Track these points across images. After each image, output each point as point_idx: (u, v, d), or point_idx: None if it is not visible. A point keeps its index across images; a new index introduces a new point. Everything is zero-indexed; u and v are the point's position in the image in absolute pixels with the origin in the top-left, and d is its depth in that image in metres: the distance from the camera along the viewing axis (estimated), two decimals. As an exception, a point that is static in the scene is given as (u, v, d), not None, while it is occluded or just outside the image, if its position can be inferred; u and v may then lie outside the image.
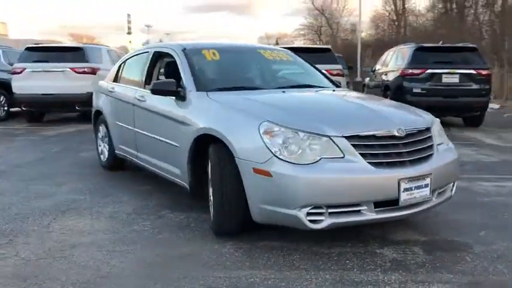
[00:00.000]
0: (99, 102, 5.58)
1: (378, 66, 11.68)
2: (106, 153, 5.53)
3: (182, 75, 3.99)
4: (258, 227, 3.26)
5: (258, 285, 2.67)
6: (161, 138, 4.08)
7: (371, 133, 3.03)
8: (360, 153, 2.94)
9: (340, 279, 2.74)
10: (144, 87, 4.61)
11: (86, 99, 9.61)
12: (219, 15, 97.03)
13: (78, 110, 10.02)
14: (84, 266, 2.94)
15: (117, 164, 5.46)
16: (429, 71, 9.04)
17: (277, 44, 39.04)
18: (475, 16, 30.32)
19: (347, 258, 3.03)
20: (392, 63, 10.34)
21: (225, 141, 3.18)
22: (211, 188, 3.47)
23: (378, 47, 36.15)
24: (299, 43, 51.84)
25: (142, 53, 5.02)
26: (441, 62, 9.14)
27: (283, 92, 3.88)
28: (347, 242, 3.27)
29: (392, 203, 3.00)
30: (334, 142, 2.93)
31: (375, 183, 2.92)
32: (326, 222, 2.88)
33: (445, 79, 9.01)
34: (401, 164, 3.03)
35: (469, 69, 9.05)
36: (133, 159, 4.82)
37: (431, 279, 2.74)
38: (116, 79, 5.41)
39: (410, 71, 9.13)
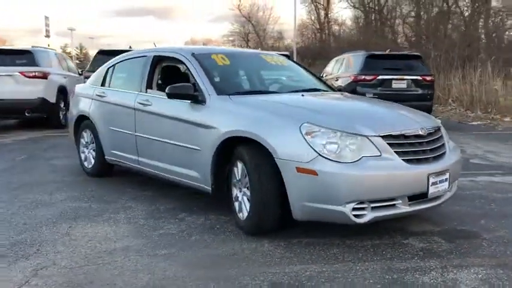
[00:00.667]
0: (83, 107, 5.43)
1: (325, 74, 12.17)
2: (92, 159, 5.38)
3: (197, 79, 4.04)
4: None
5: (316, 278, 2.81)
6: (175, 142, 4.10)
7: (401, 132, 3.30)
8: (394, 151, 3.19)
9: (388, 268, 2.96)
10: (146, 92, 4.58)
11: (37, 105, 9.24)
12: (144, 19, 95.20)
13: (27, 117, 9.51)
14: (136, 270, 2.93)
15: (105, 170, 5.35)
16: (380, 77, 9.63)
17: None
18: (391, 28, 32.20)
19: (382, 249, 3.26)
20: (343, 69, 10.84)
21: (262, 143, 3.30)
22: (236, 189, 3.59)
23: (303, 54, 37.52)
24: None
25: (137, 57, 4.98)
26: (390, 68, 9.77)
27: (303, 95, 4.06)
28: (372, 235, 3.50)
29: (421, 196, 3.27)
30: (371, 141, 3.16)
31: (410, 178, 3.18)
32: (368, 216, 3.10)
33: (395, 85, 9.65)
34: (427, 160, 3.32)
35: (416, 75, 9.76)
36: (132, 164, 4.76)
37: (466, 264, 3.03)
38: (104, 83, 5.30)
39: (363, 77, 9.65)
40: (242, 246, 3.32)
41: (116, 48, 10.39)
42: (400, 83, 9.63)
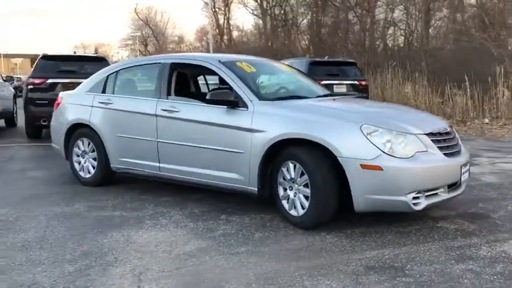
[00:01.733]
0: (80, 116, 5.29)
1: None
2: (91, 168, 5.27)
3: (234, 86, 4.23)
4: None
5: (399, 260, 3.19)
6: (211, 147, 4.24)
7: (437, 130, 3.82)
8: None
9: (446, 247, 3.44)
10: (167, 98, 4.65)
11: None
12: (28, 21, 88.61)
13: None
14: (233, 268, 3.09)
15: (106, 179, 5.26)
16: (323, 82, 10.29)
17: (96, 53, 37.72)
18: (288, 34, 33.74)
19: (426, 233, 3.74)
20: None
21: (323, 144, 3.61)
22: (283, 188, 3.88)
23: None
24: (125, 53, 50.63)
25: (148, 64, 5.03)
26: (331, 74, 10.47)
27: (334, 99, 4.44)
28: (408, 222, 3.97)
29: (454, 184, 3.82)
30: (419, 139, 3.64)
31: (451, 169, 3.72)
32: (423, 204, 3.56)
33: (336, 89, 10.39)
34: (457, 153, 3.88)
35: (353, 80, 10.61)
36: (148, 171, 4.78)
37: (501, 238, 3.61)
38: (105, 91, 5.23)
39: None
40: (308, 239, 3.60)
41: (60, 54, 9.93)
42: (340, 88, 10.39)
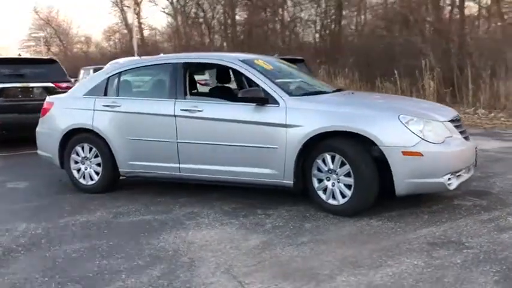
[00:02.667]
0: (81, 120, 5.07)
1: None
2: (94, 175, 5.09)
3: (261, 83, 4.34)
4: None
5: (453, 235, 3.52)
6: (242, 144, 4.32)
7: (454, 117, 4.24)
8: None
9: (479, 220, 3.84)
10: (185, 98, 4.65)
11: None
12: None
13: None
14: (317, 256, 3.24)
15: (112, 185, 5.11)
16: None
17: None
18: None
19: (452, 210, 4.13)
20: None
21: (364, 134, 3.86)
22: (318, 180, 4.09)
23: (113, 59, 36.72)
24: (25, 55, 47.45)
25: (157, 64, 4.97)
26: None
27: (353, 93, 4.70)
28: (424, 203, 4.32)
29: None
30: (445, 125, 4.02)
31: (471, 152, 4.15)
32: (455, 184, 3.95)
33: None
34: (468, 137, 4.33)
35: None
36: (165, 172, 4.74)
37: (515, 210, 4.12)
38: (107, 93, 5.06)
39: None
40: (356, 225, 3.84)
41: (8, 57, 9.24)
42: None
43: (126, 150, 4.85)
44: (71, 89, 5.49)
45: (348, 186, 3.98)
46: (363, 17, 22.54)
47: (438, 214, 4.04)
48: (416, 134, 3.82)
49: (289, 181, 4.21)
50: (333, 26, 23.72)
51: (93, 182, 5.11)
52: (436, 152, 3.81)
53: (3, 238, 3.80)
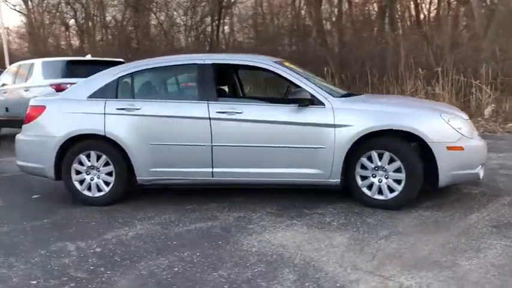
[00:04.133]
0: (89, 126, 4.58)
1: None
2: (104, 185, 4.64)
3: (302, 84, 4.40)
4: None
5: (499, 217, 3.99)
6: (288, 145, 4.33)
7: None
8: (474, 129, 4.66)
9: (504, 204, 4.40)
10: (218, 100, 4.51)
11: None
12: None
13: None
14: (422, 246, 3.43)
15: (123, 194, 4.71)
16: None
17: None
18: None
19: (473, 198, 4.62)
20: (37, 77, 9.13)
21: (414, 132, 4.16)
22: (360, 177, 4.31)
23: None
24: None
25: (178, 65, 4.73)
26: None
27: (373, 95, 4.97)
28: (442, 194, 4.81)
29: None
30: (469, 123, 4.53)
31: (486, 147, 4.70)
32: (482, 174, 4.45)
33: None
34: None
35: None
36: (195, 178, 4.53)
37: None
38: (118, 95, 4.65)
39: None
40: (411, 216, 4.09)
41: None
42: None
43: (148, 157, 4.50)
44: (66, 91, 4.91)
45: (397, 181, 4.23)
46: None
47: (466, 202, 4.47)
48: (457, 130, 4.24)
49: (335, 180, 4.33)
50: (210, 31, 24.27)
51: (101, 193, 4.64)
52: (473, 146, 4.27)
53: (70, 259, 3.31)
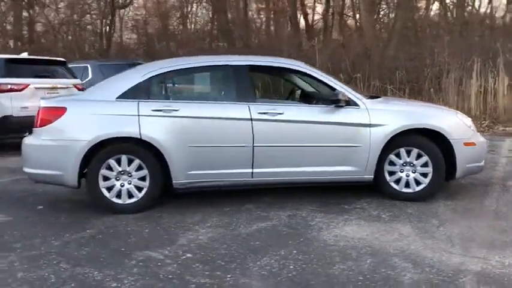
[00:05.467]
0: (120, 128, 4.31)
1: None
2: (136, 191, 4.40)
3: (336, 86, 4.64)
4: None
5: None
6: (327, 144, 4.53)
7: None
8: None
9: (497, 190, 5.09)
10: (255, 101, 4.57)
11: None
12: None
13: None
14: (487, 231, 3.87)
15: (154, 201, 4.52)
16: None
17: None
18: None
19: (469, 189, 5.28)
20: None
21: (439, 130, 4.61)
22: (388, 172, 4.69)
23: None
24: None
25: (212, 66, 4.70)
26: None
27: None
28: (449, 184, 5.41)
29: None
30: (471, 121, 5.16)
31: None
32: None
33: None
34: None
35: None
36: (235, 179, 4.51)
37: None
38: (150, 96, 4.46)
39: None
40: (440, 206, 4.53)
41: None
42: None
43: (186, 160, 4.38)
44: (89, 91, 4.53)
45: (424, 175, 4.66)
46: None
47: (468, 191, 5.07)
48: (470, 127, 4.81)
49: (369, 176, 4.63)
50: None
51: (133, 199, 4.39)
52: (481, 142, 4.88)
53: (174, 266, 3.14)
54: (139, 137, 4.29)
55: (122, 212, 4.34)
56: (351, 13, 20.81)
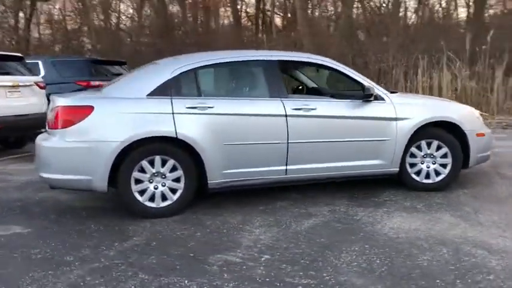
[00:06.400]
0: (154, 127, 4.06)
1: None
2: (171, 194, 4.16)
3: (363, 81, 4.69)
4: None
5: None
6: (357, 139, 4.58)
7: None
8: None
9: (496, 177, 5.44)
10: (288, 97, 4.50)
11: None
12: None
13: None
14: (510, 216, 4.11)
15: (188, 204, 4.33)
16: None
17: None
18: None
19: (471, 179, 5.59)
20: None
21: (456, 123, 4.82)
22: (411, 164, 4.86)
23: None
24: None
25: (244, 61, 4.54)
26: None
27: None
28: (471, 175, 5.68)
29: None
30: None
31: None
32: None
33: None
34: None
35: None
36: (267, 177, 4.41)
37: None
38: (181, 92, 4.24)
39: None
40: (460, 194, 4.75)
41: None
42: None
43: (221, 158, 4.22)
44: (111, 89, 4.20)
45: (443, 166, 4.86)
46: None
47: (474, 180, 5.35)
48: (479, 119, 5.08)
49: (395, 169, 4.75)
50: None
51: (168, 202, 4.16)
52: (488, 133, 5.17)
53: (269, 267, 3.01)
54: (175, 136, 4.06)
55: (155, 217, 4.10)
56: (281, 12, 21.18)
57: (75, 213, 4.34)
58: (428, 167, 4.86)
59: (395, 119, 4.65)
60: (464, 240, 3.51)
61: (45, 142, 4.05)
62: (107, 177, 3.97)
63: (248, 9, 21.39)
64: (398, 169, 4.74)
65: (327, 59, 4.86)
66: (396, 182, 4.94)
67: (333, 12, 18.55)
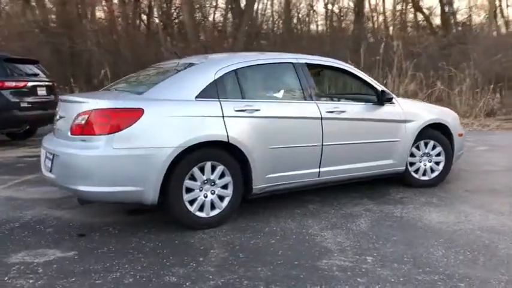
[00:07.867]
0: (206, 131, 3.81)
1: None
2: (219, 202, 3.94)
3: (375, 85, 4.96)
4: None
5: None
6: (377, 140, 4.81)
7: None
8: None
9: (477, 171, 6.14)
10: (319, 100, 4.56)
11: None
12: None
13: None
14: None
15: (236, 211, 4.16)
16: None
17: None
18: None
19: (458, 175, 6.21)
20: None
21: (446, 124, 5.35)
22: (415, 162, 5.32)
23: None
24: None
25: (276, 62, 4.47)
26: (31, 74, 8.88)
27: None
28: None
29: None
30: None
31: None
32: (458, 155, 6.05)
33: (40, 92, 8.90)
34: None
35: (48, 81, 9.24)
36: (304, 180, 4.44)
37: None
38: (222, 95, 3.99)
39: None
40: (457, 189, 5.21)
41: None
42: (41, 90, 9.00)
43: (266, 162, 4.13)
44: (154, 91, 3.81)
45: (437, 164, 5.35)
46: None
47: (455, 173, 5.96)
48: (457, 120, 5.70)
49: (402, 167, 5.10)
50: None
51: (216, 211, 3.95)
52: (464, 133, 5.82)
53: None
54: (226, 140, 3.86)
55: (203, 227, 3.86)
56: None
57: (104, 229, 3.87)
58: (425, 165, 5.28)
59: (404, 121, 4.99)
60: (508, 229, 3.91)
61: (83, 150, 3.54)
62: (159, 187, 3.63)
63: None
64: (404, 168, 5.08)
65: (347, 64, 5.01)
66: (387, 180, 5.29)
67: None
